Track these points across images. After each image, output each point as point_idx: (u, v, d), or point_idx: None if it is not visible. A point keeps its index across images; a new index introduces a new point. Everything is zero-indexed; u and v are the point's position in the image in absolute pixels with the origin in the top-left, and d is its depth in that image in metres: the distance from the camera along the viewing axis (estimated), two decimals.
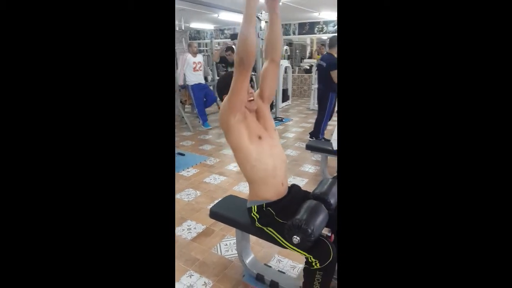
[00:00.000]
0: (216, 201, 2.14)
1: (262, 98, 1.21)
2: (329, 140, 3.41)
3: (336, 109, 3.89)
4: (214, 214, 1.37)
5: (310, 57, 7.24)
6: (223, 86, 1.14)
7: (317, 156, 3.02)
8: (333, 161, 2.78)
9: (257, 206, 1.16)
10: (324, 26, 6.84)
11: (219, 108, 4.68)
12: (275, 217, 1.11)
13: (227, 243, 1.68)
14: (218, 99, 4.48)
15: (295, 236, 0.99)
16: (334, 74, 3.14)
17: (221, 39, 7.95)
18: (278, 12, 1.08)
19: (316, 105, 5.34)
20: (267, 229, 1.13)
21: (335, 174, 2.45)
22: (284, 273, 1.43)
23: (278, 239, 1.09)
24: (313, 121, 4.09)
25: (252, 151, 1.08)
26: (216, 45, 5.77)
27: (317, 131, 3.53)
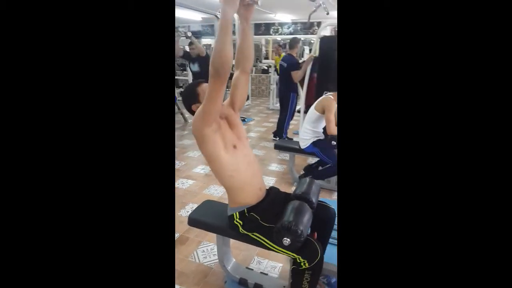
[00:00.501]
0: (187, 207, 2.07)
1: (233, 107, 1.20)
2: (292, 139, 3.53)
3: (297, 108, 4.02)
4: (193, 221, 1.31)
5: (266, 58, 7.36)
6: (189, 96, 1.13)
7: (283, 155, 3.09)
8: (299, 159, 2.86)
9: (238, 213, 1.14)
10: (279, 27, 7.00)
11: (178, 108, 4.51)
12: (260, 222, 1.11)
13: (204, 249, 1.63)
14: (177, 99, 4.32)
15: (285, 238, 1.00)
16: (295, 74, 3.24)
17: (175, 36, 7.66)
18: (250, 22, 1.07)
19: (276, 105, 5.47)
20: (253, 234, 1.12)
21: (302, 172, 2.54)
22: (266, 274, 1.43)
23: (266, 243, 1.09)
24: (274, 120, 4.18)
25: (228, 161, 1.07)
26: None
27: (281, 131, 3.61)
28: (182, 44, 4.14)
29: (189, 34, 3.83)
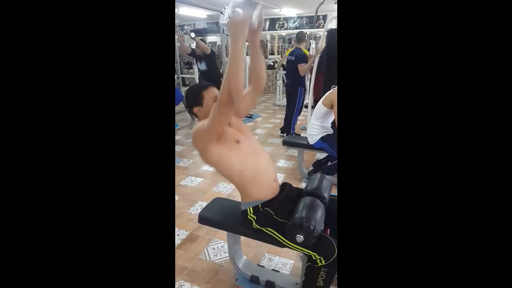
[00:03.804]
0: (196, 204, 2.07)
1: (235, 114, 1.17)
2: (299, 135, 3.50)
3: (304, 103, 3.97)
4: (204, 219, 1.30)
5: (272, 53, 7.29)
6: (193, 98, 1.10)
7: (291, 151, 3.06)
8: (307, 155, 2.84)
9: (253, 208, 1.12)
10: (284, 22, 6.94)
11: (185, 106, 4.51)
12: (274, 217, 1.08)
13: (214, 247, 1.62)
14: (183, 97, 4.32)
15: (298, 235, 0.98)
16: (301, 67, 3.21)
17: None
18: (259, 46, 1.04)
19: (282, 101, 5.43)
20: (267, 229, 1.10)
21: (311, 168, 2.51)
22: (278, 271, 1.42)
23: (279, 239, 1.07)
24: (282, 116, 4.14)
25: (235, 158, 1.05)
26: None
27: (288, 127, 3.58)
28: (188, 43, 4.18)
29: (193, 35, 3.88)
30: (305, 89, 3.50)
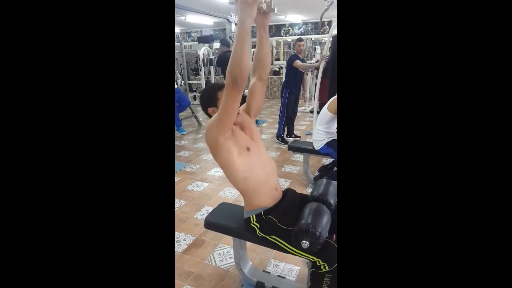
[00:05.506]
0: (203, 209, 2.08)
1: (248, 113, 1.21)
2: (299, 137, 3.59)
3: (309, 109, 4.00)
4: (210, 224, 1.31)
5: (277, 59, 7.33)
6: (208, 98, 1.11)
7: (296, 156, 3.06)
8: (313, 160, 2.83)
9: (255, 216, 1.13)
10: (290, 28, 6.99)
11: (192, 112, 4.55)
12: (278, 224, 1.09)
13: (220, 252, 1.62)
14: (191, 103, 4.37)
15: (304, 241, 0.98)
16: (296, 64, 3.34)
17: (188, 42, 7.77)
18: (267, 30, 1.05)
19: None
20: (271, 237, 1.10)
21: (317, 173, 2.50)
22: (284, 277, 1.41)
23: (284, 246, 1.07)
24: None
25: (241, 164, 1.06)
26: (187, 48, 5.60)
27: (279, 130, 3.66)
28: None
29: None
30: (289, 90, 3.54)
